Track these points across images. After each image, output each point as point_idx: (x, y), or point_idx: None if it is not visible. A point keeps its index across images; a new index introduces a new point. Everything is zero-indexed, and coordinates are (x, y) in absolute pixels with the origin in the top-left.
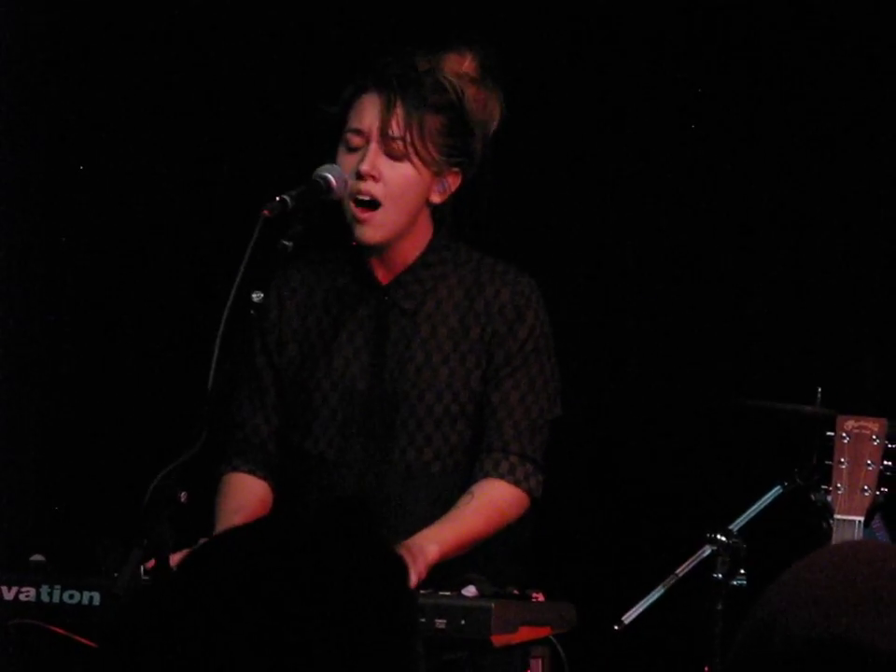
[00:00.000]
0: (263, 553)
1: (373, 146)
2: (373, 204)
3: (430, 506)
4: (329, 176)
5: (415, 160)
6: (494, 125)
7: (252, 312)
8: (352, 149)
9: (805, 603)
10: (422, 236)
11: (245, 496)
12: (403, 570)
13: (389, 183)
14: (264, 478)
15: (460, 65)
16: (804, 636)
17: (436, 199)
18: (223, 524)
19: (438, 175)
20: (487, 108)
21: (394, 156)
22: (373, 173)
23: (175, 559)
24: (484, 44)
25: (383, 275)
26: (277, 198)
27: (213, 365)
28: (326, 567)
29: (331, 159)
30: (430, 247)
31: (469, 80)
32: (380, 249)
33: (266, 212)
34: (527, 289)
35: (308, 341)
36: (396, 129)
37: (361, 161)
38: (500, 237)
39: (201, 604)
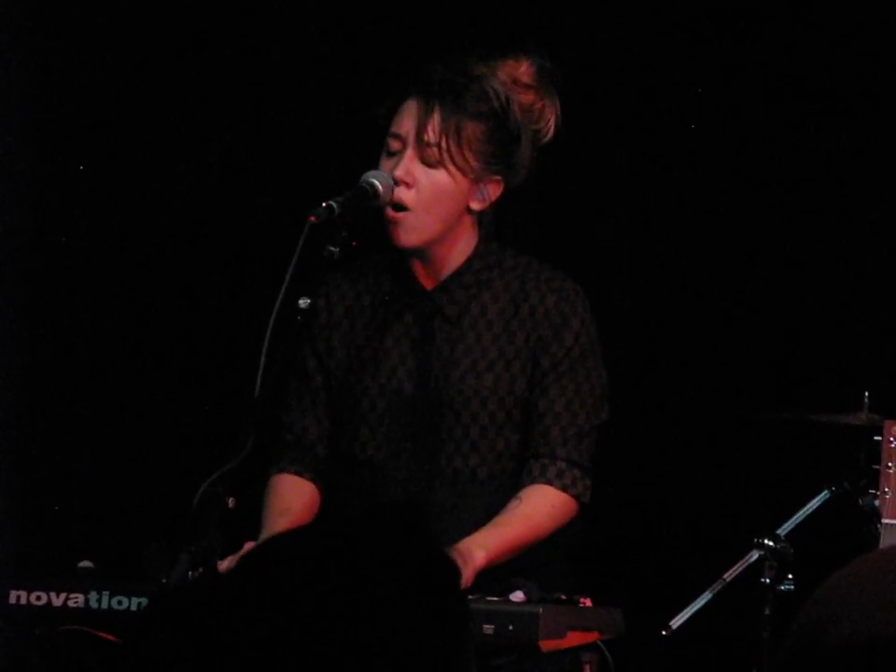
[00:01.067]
0: (314, 559)
1: (409, 152)
2: (405, 209)
3: (477, 512)
4: (376, 182)
5: (451, 167)
6: (548, 134)
7: (299, 318)
8: (391, 154)
9: (857, 606)
10: (465, 242)
11: (293, 498)
12: (456, 574)
13: (422, 189)
14: (312, 480)
15: (516, 72)
16: (855, 639)
17: (476, 206)
18: (269, 526)
19: (476, 182)
20: (542, 117)
21: (429, 162)
22: (407, 179)
23: (222, 564)
24: (543, 52)
25: (427, 281)
26: (324, 204)
27: (260, 371)
28: (378, 572)
29: (376, 164)
30: (475, 253)
31: (525, 87)
32: (422, 254)
33: (313, 218)
34: (573, 295)
35: (356, 345)
36: (432, 135)
37: (396, 166)
38: (546, 242)
39: (252, 609)
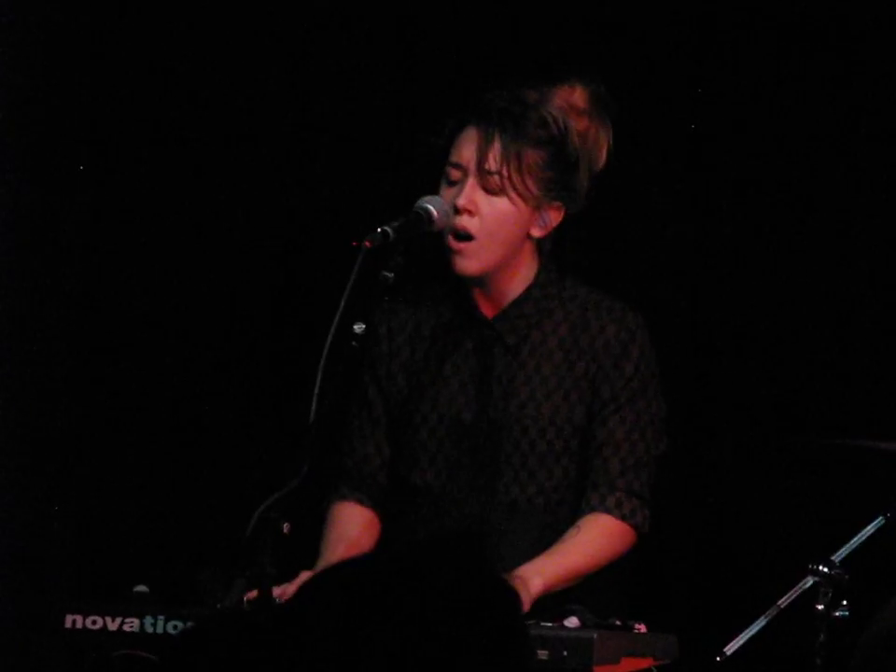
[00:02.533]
0: (375, 588)
1: (471, 180)
2: (468, 237)
3: (534, 541)
4: (431, 208)
5: (513, 194)
6: (602, 160)
7: (354, 343)
8: (452, 183)
9: None
10: (526, 270)
11: (353, 526)
12: (516, 600)
13: (486, 218)
14: (372, 508)
15: (570, 98)
16: None
17: (536, 233)
18: (327, 553)
19: (537, 209)
20: (596, 143)
21: (491, 190)
22: (470, 207)
23: (277, 591)
24: (596, 77)
25: (487, 309)
26: (379, 229)
27: (315, 396)
28: (439, 600)
29: (434, 191)
30: (536, 282)
31: (579, 113)
32: (482, 282)
33: (367, 243)
34: (633, 325)
35: (416, 373)
36: (493, 163)
37: (459, 195)
38: (606, 271)
39: (310, 637)
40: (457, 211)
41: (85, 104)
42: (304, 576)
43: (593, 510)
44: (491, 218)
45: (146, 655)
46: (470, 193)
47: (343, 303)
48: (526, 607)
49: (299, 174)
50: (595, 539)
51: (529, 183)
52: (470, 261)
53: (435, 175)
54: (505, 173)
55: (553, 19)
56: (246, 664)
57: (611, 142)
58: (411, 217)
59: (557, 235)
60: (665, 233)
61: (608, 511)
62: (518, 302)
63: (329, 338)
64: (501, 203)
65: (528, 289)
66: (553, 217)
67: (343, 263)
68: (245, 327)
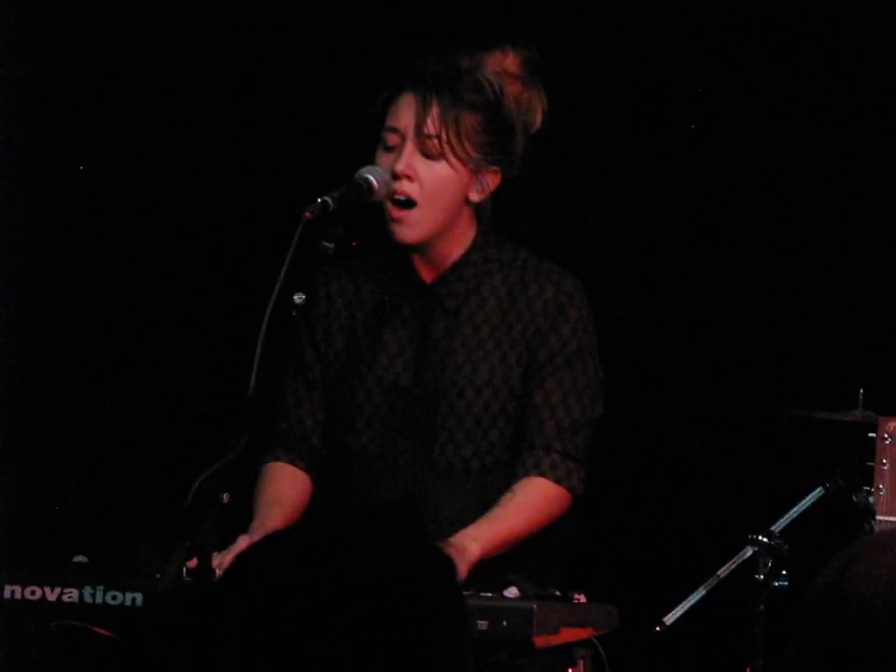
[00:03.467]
0: (310, 557)
1: (409, 145)
2: (409, 204)
3: (470, 504)
4: (371, 178)
5: (451, 158)
6: (536, 124)
7: (294, 313)
8: (389, 149)
9: (869, 602)
10: (464, 234)
11: (285, 486)
12: (452, 569)
13: (425, 182)
14: (305, 470)
15: (502, 63)
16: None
17: (475, 197)
18: (262, 514)
19: (475, 173)
20: (530, 107)
21: (430, 154)
22: (409, 172)
23: (216, 559)
24: (527, 43)
25: (427, 274)
26: (318, 199)
27: (254, 367)
28: (374, 569)
29: (370, 159)
30: (474, 246)
31: (512, 78)
32: (421, 248)
33: (307, 214)
34: (571, 288)
35: (354, 337)
36: (431, 127)
37: (397, 160)
38: (543, 235)
39: (247, 607)
40: (395, 176)
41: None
42: (242, 541)
43: (527, 472)
44: (430, 183)
45: (85, 626)
46: (409, 158)
47: (282, 274)
48: (464, 574)
49: (236, 146)
50: (530, 502)
51: (468, 146)
52: (411, 229)
53: (372, 143)
54: (444, 136)
55: None
56: (183, 639)
57: (545, 106)
58: (351, 186)
59: (495, 200)
60: (607, 196)
61: (542, 473)
62: (457, 267)
63: (269, 308)
64: (440, 168)
65: (467, 253)
66: (491, 181)
67: (282, 234)
68: (184, 298)
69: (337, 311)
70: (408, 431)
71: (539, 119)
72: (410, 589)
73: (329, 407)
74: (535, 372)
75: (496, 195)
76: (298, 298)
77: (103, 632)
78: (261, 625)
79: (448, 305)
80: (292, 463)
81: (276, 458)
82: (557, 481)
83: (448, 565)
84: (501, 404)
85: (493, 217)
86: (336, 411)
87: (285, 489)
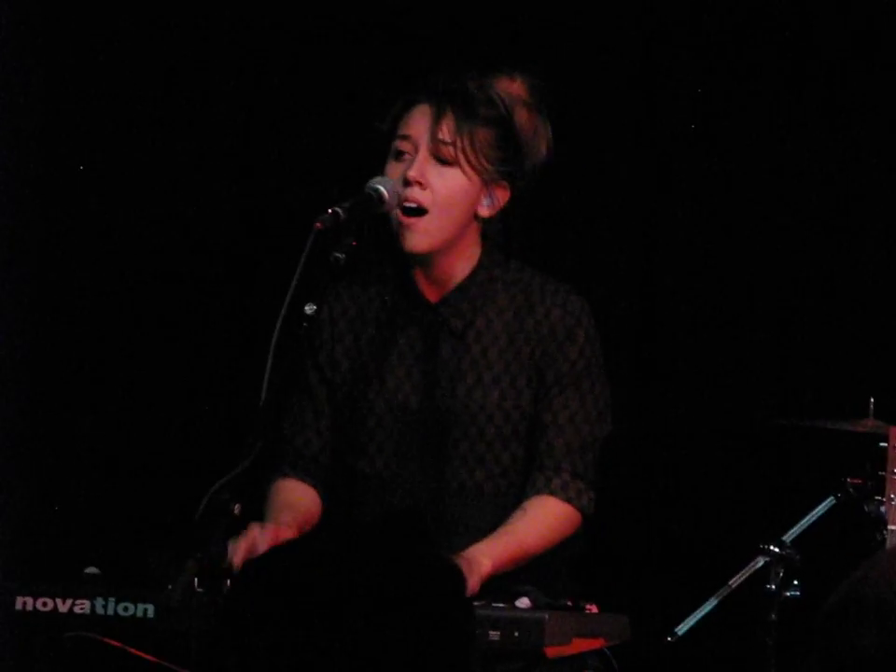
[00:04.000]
0: (321, 565)
1: (422, 152)
2: (420, 212)
3: (483, 526)
4: (382, 189)
5: (465, 166)
6: (543, 153)
7: (305, 324)
8: (399, 158)
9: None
10: (470, 253)
11: (295, 496)
12: (461, 580)
13: (437, 190)
14: (314, 486)
15: (510, 88)
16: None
17: (484, 213)
18: (273, 517)
19: (487, 184)
20: (537, 134)
21: (444, 160)
22: (420, 179)
23: (231, 548)
24: (536, 72)
25: (431, 294)
26: (329, 210)
27: (266, 377)
28: (384, 578)
29: (381, 171)
30: (480, 265)
31: (520, 103)
32: (426, 263)
33: (318, 224)
34: (577, 309)
35: (360, 359)
36: (447, 134)
37: (409, 167)
38: (549, 254)
39: (256, 611)
40: (407, 183)
41: None
42: (253, 528)
43: (538, 492)
44: (442, 191)
45: (96, 637)
46: (422, 165)
47: (293, 285)
48: (475, 587)
49: (249, 156)
50: (541, 521)
51: (481, 157)
52: (421, 238)
53: (382, 155)
54: (458, 144)
55: (498, 11)
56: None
57: (551, 139)
58: (361, 197)
59: (502, 220)
60: (612, 215)
61: (553, 493)
62: (463, 287)
63: (280, 319)
64: (453, 176)
65: (473, 273)
66: (500, 197)
67: (294, 245)
68: (197, 308)
69: (340, 333)
70: (420, 454)
71: (543, 149)
72: (418, 597)
73: (337, 430)
74: (543, 393)
75: (503, 214)
76: (309, 309)
77: (114, 643)
78: (270, 628)
79: (453, 326)
80: (301, 480)
81: (284, 476)
82: (568, 500)
83: (457, 575)
84: (513, 427)
85: (500, 237)
86: (346, 436)
87: (296, 497)
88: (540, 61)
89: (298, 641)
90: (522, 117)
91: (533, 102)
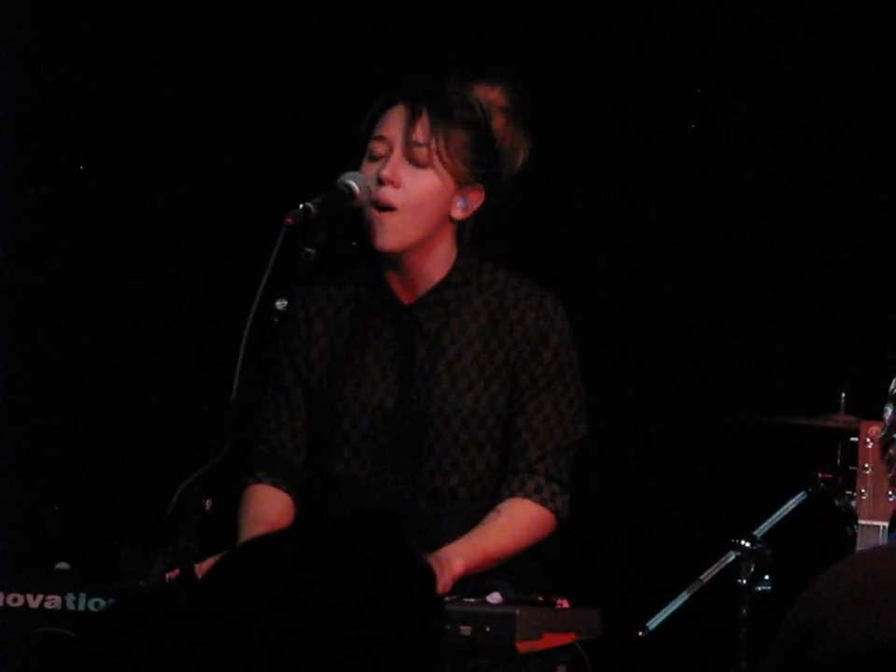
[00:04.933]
0: (291, 562)
1: (396, 152)
2: (391, 209)
3: (458, 530)
4: (353, 184)
5: (439, 167)
6: (518, 163)
7: (276, 320)
8: (374, 158)
9: (855, 607)
10: (444, 255)
11: (268, 507)
12: (431, 577)
13: (409, 191)
14: (287, 491)
15: (489, 95)
16: (856, 640)
17: (458, 214)
18: (246, 535)
19: (460, 188)
20: (514, 141)
21: (417, 162)
22: (393, 179)
23: (199, 567)
24: (515, 81)
25: (405, 295)
26: (301, 205)
27: (237, 373)
28: (354, 575)
29: (355, 167)
30: (454, 267)
31: (498, 110)
32: (399, 264)
33: (289, 220)
34: (551, 311)
35: (336, 361)
36: (421, 135)
37: (383, 167)
38: (523, 255)
39: (227, 611)
40: (380, 182)
41: None
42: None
43: (513, 494)
44: (414, 192)
45: (67, 632)
46: (395, 165)
47: (264, 280)
48: (447, 586)
49: (221, 152)
50: (514, 523)
51: (455, 158)
52: (392, 235)
53: (357, 152)
54: (433, 145)
55: (477, 19)
56: (165, 641)
57: (528, 150)
58: (332, 192)
59: (477, 223)
60: (589, 215)
61: (527, 495)
62: (436, 289)
63: (252, 315)
64: (426, 177)
65: (447, 275)
66: (474, 200)
67: (265, 240)
68: (168, 304)
69: (316, 335)
70: (395, 457)
71: (521, 157)
72: (387, 594)
73: (312, 431)
74: (517, 396)
75: (477, 217)
76: (280, 304)
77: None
78: (237, 628)
79: (427, 328)
80: (275, 485)
81: (258, 481)
82: (542, 503)
83: (427, 573)
84: (487, 433)
85: (474, 240)
86: (321, 438)
87: (268, 509)
88: (521, 63)
89: (265, 640)
90: (499, 123)
91: (512, 110)
